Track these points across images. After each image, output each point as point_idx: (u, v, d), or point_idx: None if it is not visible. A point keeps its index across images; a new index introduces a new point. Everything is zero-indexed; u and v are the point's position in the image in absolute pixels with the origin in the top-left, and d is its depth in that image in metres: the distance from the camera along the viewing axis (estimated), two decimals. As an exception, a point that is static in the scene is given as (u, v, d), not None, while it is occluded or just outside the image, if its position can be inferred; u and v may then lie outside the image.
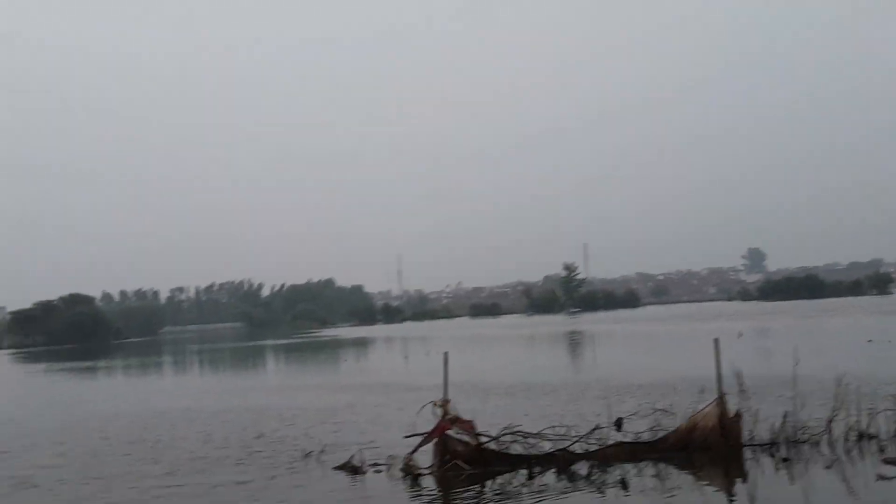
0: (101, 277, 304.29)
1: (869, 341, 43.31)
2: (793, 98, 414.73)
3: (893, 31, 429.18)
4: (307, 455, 18.45)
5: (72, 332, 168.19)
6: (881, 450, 15.83)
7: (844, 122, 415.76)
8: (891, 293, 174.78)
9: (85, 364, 78.11)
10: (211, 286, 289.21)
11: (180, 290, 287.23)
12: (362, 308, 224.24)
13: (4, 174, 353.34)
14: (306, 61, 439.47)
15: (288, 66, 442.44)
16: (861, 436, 16.75)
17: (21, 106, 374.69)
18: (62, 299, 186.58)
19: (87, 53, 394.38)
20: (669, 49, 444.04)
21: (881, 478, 13.63)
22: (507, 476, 15.53)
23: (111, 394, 42.09)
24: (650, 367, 35.97)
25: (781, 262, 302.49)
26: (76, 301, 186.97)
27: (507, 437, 16.63)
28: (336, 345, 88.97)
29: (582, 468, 15.84)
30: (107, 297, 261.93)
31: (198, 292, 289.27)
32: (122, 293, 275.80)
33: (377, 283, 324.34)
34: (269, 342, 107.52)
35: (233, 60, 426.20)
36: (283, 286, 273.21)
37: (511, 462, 16.15)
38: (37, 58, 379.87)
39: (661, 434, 16.82)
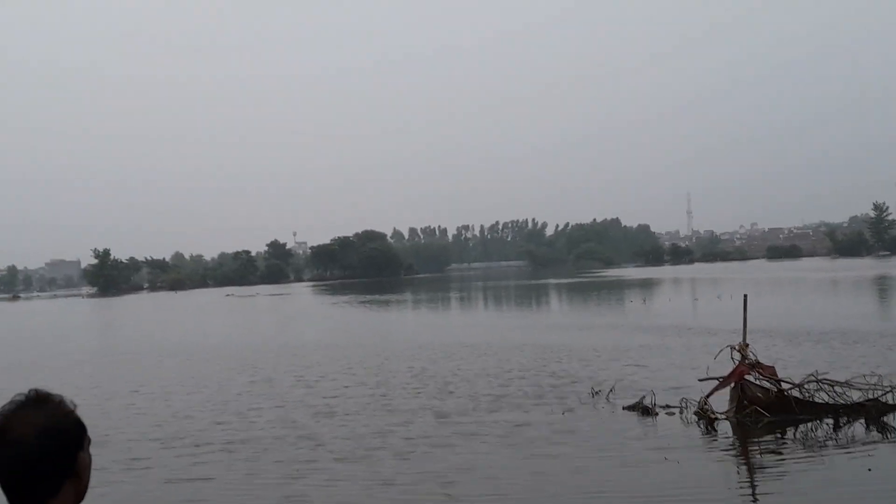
0: (393, 216, 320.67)
1: None
2: None
3: None
4: (596, 393, 18.70)
5: (366, 266, 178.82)
6: None
7: None
8: None
9: (384, 297, 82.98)
10: (495, 225, 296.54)
11: (466, 228, 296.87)
12: (649, 248, 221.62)
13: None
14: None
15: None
16: None
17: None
18: (357, 235, 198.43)
19: None
20: None
21: None
22: (810, 425, 14.98)
23: (413, 325, 44.84)
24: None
25: None
26: (370, 237, 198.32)
27: (812, 385, 15.97)
28: (621, 285, 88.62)
29: (895, 420, 14.98)
30: (398, 234, 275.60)
31: (483, 231, 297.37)
32: (412, 230, 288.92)
33: (665, 222, 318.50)
34: (553, 281, 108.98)
35: None
36: (567, 225, 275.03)
37: (815, 411, 15.53)
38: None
39: None
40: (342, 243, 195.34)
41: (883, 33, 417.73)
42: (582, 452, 13.63)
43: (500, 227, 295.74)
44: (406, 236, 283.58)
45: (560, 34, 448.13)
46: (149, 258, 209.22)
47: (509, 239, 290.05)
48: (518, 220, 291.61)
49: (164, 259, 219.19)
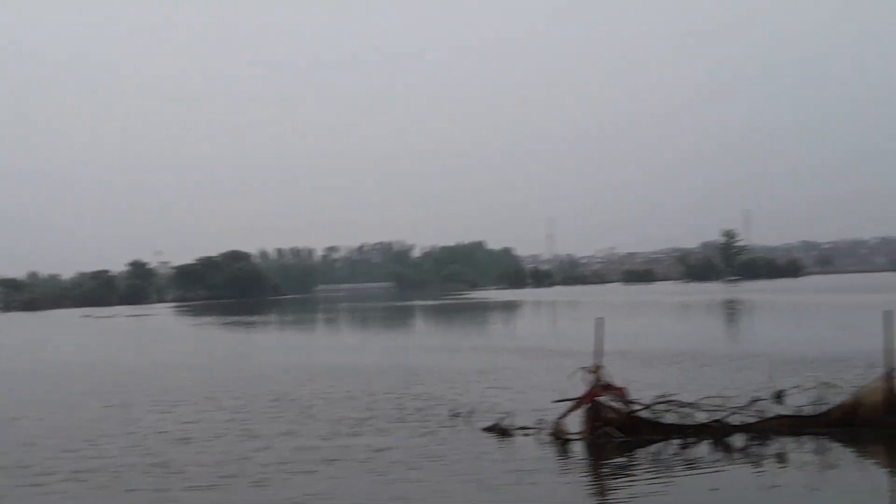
0: (259, 235, 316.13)
1: None
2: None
3: None
4: (456, 415, 18.79)
5: (231, 286, 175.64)
6: None
7: None
8: None
9: (248, 318, 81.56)
10: (363, 246, 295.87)
11: (334, 248, 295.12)
12: (512, 271, 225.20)
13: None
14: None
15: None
16: None
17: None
18: (223, 255, 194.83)
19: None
20: None
21: None
22: (659, 445, 15.39)
23: (278, 347, 44.17)
24: (813, 340, 34.79)
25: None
26: (236, 257, 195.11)
27: (661, 406, 16.44)
28: (485, 307, 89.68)
29: (738, 440, 15.53)
30: (264, 254, 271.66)
31: (350, 252, 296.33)
32: (279, 250, 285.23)
33: (527, 246, 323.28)
34: (419, 303, 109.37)
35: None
36: (433, 248, 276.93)
37: (664, 431, 15.97)
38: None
39: (823, 408, 16.31)
40: (207, 263, 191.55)
41: (724, 97, 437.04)
42: (441, 476, 13.63)
43: (368, 247, 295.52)
44: (273, 256, 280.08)
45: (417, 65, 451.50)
46: (1, 277, 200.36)
47: (376, 260, 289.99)
48: (385, 242, 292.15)
49: (18, 278, 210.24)
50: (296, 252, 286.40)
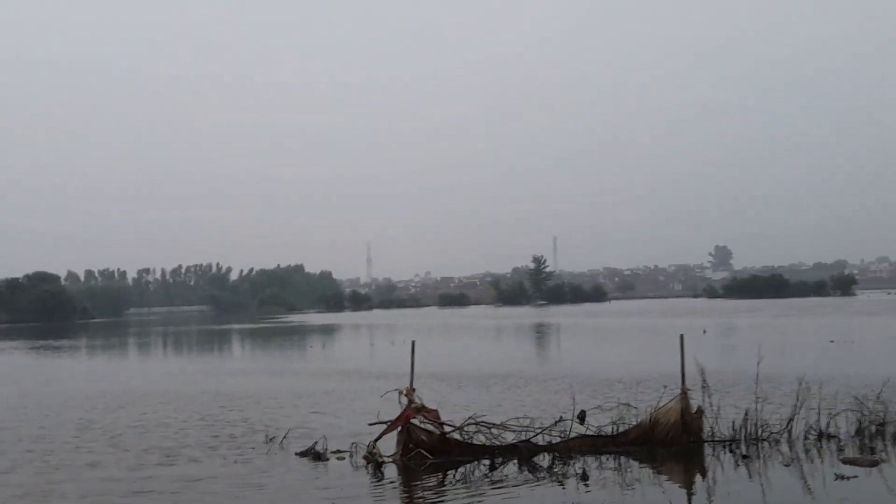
0: (67, 257, 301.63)
1: (831, 342, 43.79)
2: (765, 97, 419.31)
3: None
4: (270, 440, 18.41)
5: (37, 310, 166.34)
6: (840, 450, 16.00)
7: (813, 125, 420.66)
8: (854, 294, 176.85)
9: (55, 343, 77.33)
10: (178, 269, 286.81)
11: (147, 271, 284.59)
12: (330, 295, 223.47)
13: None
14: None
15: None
16: (821, 435, 16.92)
17: None
18: (27, 277, 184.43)
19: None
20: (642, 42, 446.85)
21: (839, 477, 13.75)
22: (469, 466, 15.56)
23: (86, 373, 41.96)
24: (615, 362, 36.17)
25: (747, 260, 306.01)
26: (41, 279, 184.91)
27: (471, 428, 16.65)
28: (303, 331, 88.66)
29: (544, 460, 15.91)
30: (72, 276, 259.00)
31: (164, 274, 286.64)
32: (88, 273, 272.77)
33: (346, 270, 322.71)
34: (236, 326, 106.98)
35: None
36: (251, 271, 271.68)
37: (474, 452, 16.18)
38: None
39: (623, 428, 16.93)
40: (10, 285, 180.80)
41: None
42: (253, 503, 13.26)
43: (184, 270, 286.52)
44: (82, 279, 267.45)
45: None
46: None
47: (192, 283, 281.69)
48: (202, 264, 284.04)
49: None
50: (106, 274, 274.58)
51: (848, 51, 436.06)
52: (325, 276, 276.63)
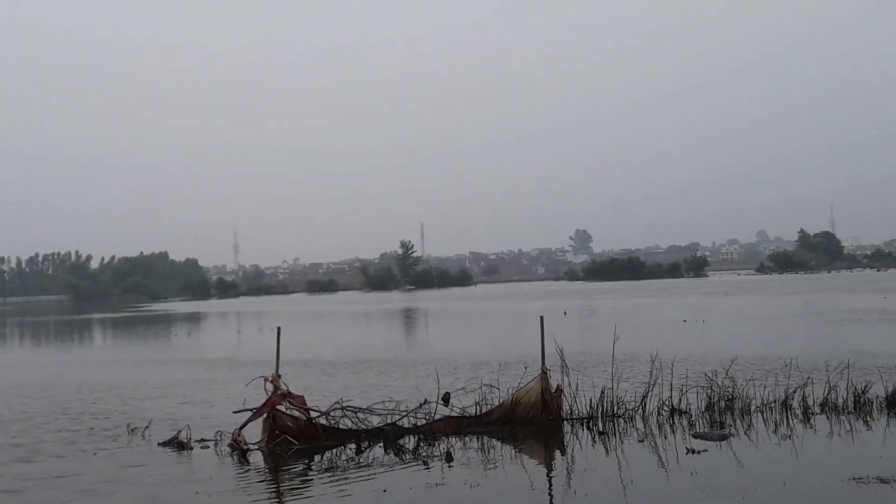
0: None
1: (684, 321, 45.46)
2: (625, 94, 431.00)
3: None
4: (132, 431, 17.91)
5: None
6: (691, 425, 16.63)
7: (666, 120, 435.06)
8: (706, 275, 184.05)
9: None
10: (35, 257, 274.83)
11: (1, 260, 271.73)
12: (196, 282, 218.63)
13: None
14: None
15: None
16: (673, 411, 17.56)
17: None
18: None
19: None
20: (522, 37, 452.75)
21: (690, 451, 14.28)
22: (335, 451, 15.53)
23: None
24: (480, 345, 36.64)
25: (606, 244, 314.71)
26: None
27: (337, 413, 16.60)
28: (168, 319, 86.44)
29: (409, 442, 16.00)
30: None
31: (20, 263, 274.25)
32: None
33: (213, 257, 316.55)
34: (97, 316, 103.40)
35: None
36: (113, 258, 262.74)
37: (340, 437, 16.16)
38: None
39: (486, 409, 17.18)
40: None
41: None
42: (120, 499, 12.81)
43: (41, 259, 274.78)
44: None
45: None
46: None
47: (50, 272, 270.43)
48: (60, 253, 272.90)
49: None
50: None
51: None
52: (191, 264, 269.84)
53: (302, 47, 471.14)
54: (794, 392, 17.76)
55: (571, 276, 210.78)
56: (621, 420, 17.22)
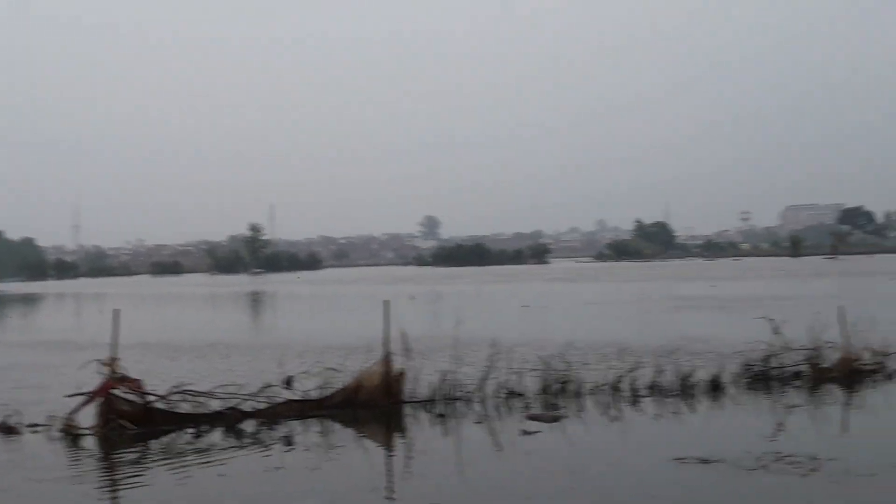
0: None
1: (525, 307, 46.50)
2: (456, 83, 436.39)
3: None
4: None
5: None
6: (527, 407, 17.00)
7: (508, 110, 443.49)
8: (548, 262, 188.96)
9: None
10: None
11: None
12: (32, 262, 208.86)
13: None
14: None
15: None
16: (510, 393, 17.91)
17: None
18: None
19: None
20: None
21: (524, 432, 14.63)
22: (173, 435, 15.14)
23: None
24: (326, 328, 36.49)
25: (455, 230, 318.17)
26: None
27: (176, 396, 16.15)
28: (1, 301, 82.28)
29: (250, 426, 15.76)
30: None
31: None
32: None
33: (51, 236, 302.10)
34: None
35: None
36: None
37: (179, 421, 15.74)
38: None
39: (329, 392, 17.10)
40: None
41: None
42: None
43: None
44: None
45: None
46: None
47: None
48: None
49: None
50: None
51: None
52: (27, 243, 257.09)
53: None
54: (625, 375, 18.42)
55: (420, 261, 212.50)
56: (461, 403, 17.45)
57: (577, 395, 17.94)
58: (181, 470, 12.74)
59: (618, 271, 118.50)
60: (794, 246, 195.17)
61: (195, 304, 67.08)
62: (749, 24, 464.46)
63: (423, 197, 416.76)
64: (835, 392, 18.24)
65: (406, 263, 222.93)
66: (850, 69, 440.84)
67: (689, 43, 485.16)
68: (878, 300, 43.50)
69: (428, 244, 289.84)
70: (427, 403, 17.32)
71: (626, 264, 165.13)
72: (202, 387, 17.18)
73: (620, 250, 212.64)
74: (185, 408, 16.09)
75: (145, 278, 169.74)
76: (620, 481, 11.60)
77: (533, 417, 15.92)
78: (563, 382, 18.28)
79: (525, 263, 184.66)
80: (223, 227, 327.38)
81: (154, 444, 14.62)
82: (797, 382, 18.99)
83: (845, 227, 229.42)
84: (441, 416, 16.44)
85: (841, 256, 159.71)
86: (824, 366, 19.37)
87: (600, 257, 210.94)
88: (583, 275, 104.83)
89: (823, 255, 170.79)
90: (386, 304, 17.89)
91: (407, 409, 17.03)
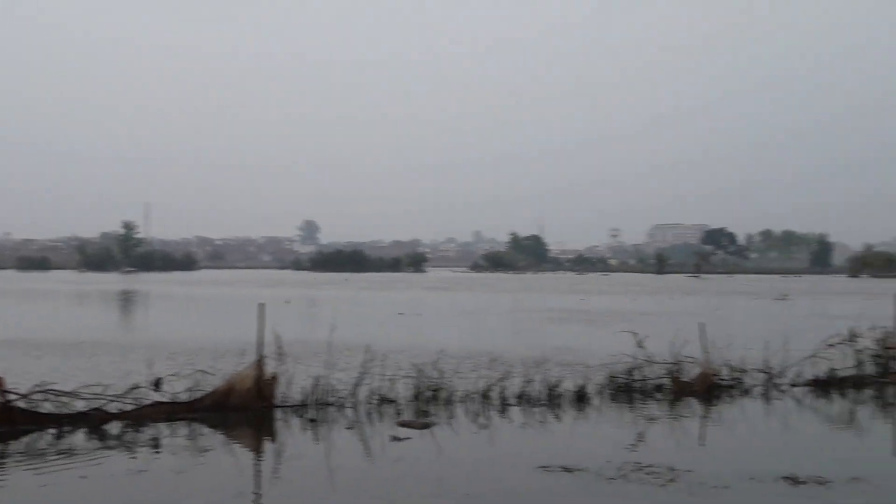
0: None
1: (400, 314, 46.62)
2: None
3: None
4: None
5: None
6: (398, 413, 17.04)
7: (382, 125, 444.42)
8: (425, 271, 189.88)
9: None
10: None
11: None
12: None
13: None
14: None
15: None
16: (382, 400, 17.92)
17: None
18: None
19: None
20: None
21: (395, 438, 14.66)
22: (34, 436, 14.55)
23: None
24: (199, 330, 35.76)
25: (334, 235, 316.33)
26: None
27: (38, 396, 15.52)
28: None
29: (115, 428, 15.29)
30: None
31: None
32: None
33: None
34: None
35: None
36: None
37: (40, 421, 15.12)
38: None
39: (199, 394, 16.75)
40: None
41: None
42: None
43: None
44: None
45: None
46: None
47: None
48: None
49: None
50: None
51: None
52: None
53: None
54: (495, 384, 18.67)
55: (297, 265, 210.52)
56: (333, 408, 17.36)
57: (449, 402, 18.09)
58: (42, 472, 12.27)
59: (492, 282, 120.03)
60: (660, 263, 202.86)
61: (62, 302, 64.67)
62: (620, 45, 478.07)
63: (303, 201, 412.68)
64: (694, 405, 18.91)
65: (284, 267, 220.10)
66: (722, 91, 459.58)
67: (568, 60, 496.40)
68: (737, 319, 45.41)
69: (307, 249, 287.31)
70: (299, 408, 17.17)
71: (500, 275, 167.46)
72: (66, 386, 16.55)
73: (495, 262, 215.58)
74: (47, 408, 15.47)
75: (10, 273, 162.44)
76: (486, 488, 11.75)
77: (404, 424, 15.97)
78: (435, 390, 18.40)
79: (402, 271, 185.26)
80: (96, 224, 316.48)
81: (13, 445, 14.02)
82: (659, 395, 19.65)
83: (709, 248, 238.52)
84: (313, 420, 16.32)
85: (703, 275, 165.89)
86: (685, 380, 20.09)
87: (476, 268, 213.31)
88: (458, 284, 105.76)
89: (687, 273, 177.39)
90: (261, 307, 17.66)
91: (279, 414, 16.85)
